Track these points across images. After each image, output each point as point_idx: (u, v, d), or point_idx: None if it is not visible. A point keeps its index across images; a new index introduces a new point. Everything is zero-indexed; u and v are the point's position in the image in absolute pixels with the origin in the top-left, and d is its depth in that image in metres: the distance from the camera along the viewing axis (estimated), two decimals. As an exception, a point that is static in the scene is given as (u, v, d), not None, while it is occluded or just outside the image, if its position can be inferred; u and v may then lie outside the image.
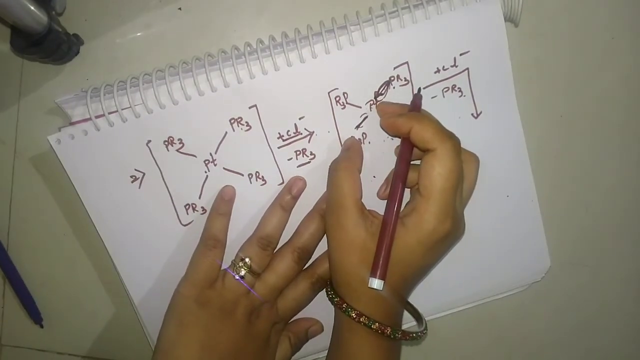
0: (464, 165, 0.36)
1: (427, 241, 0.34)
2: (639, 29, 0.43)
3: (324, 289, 0.39)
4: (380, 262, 0.33)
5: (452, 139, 0.34)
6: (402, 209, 0.35)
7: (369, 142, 0.40)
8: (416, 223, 0.34)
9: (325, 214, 0.38)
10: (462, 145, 0.36)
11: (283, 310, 0.40)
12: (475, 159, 0.38)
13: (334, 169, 0.37)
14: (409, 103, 0.39)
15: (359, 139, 0.40)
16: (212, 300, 0.37)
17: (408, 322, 0.43)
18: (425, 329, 0.38)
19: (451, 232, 0.34)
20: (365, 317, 0.35)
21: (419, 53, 0.39)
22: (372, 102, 0.39)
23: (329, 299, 0.38)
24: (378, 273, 0.33)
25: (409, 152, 0.36)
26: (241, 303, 0.38)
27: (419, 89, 0.39)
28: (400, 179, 0.35)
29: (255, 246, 0.39)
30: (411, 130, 0.35)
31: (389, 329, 0.35)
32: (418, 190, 0.34)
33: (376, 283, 0.33)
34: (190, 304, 0.37)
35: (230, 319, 0.38)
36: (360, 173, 0.38)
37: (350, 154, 0.38)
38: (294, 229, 0.40)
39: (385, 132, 0.39)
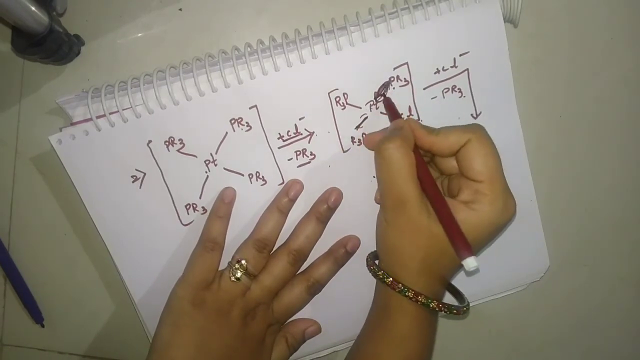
0: (472, 146, 0.36)
1: (500, 220, 0.35)
2: (638, 29, 0.43)
3: (371, 270, 0.38)
4: (463, 239, 0.34)
5: (473, 125, 0.36)
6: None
7: (369, 143, 0.40)
8: (489, 205, 0.34)
9: (382, 196, 0.36)
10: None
11: (278, 312, 0.41)
12: (480, 132, 0.37)
13: (388, 147, 0.35)
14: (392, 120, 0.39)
15: (359, 139, 0.40)
16: (207, 302, 0.38)
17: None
18: (468, 304, 0.38)
19: (515, 209, 0.36)
20: (424, 296, 0.35)
21: (418, 54, 0.39)
22: (372, 102, 0.40)
23: (379, 279, 0.37)
24: (470, 252, 0.33)
25: (422, 162, 0.36)
26: (237, 304, 0.38)
27: (384, 92, 0.39)
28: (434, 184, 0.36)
29: (252, 248, 0.39)
30: (432, 145, 0.36)
31: (446, 305, 0.35)
32: (473, 178, 0.35)
33: (472, 261, 0.33)
34: (185, 305, 0.37)
35: (225, 320, 0.38)
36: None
37: (404, 133, 0.36)
38: (293, 228, 0.41)
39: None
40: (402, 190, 0.35)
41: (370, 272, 0.38)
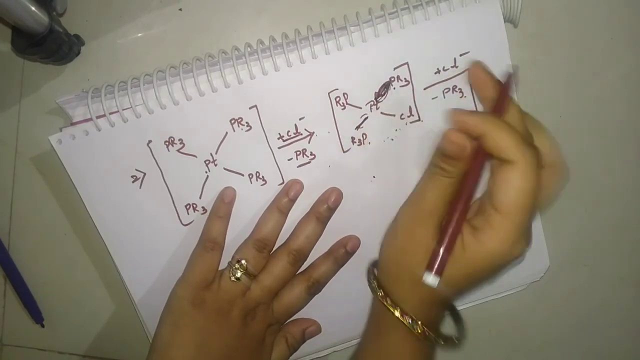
0: (548, 177, 0.33)
1: (498, 260, 0.32)
2: (638, 29, 0.43)
3: (367, 279, 0.38)
4: (440, 259, 0.32)
5: (533, 150, 0.31)
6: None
7: (369, 143, 0.40)
8: (491, 240, 0.31)
9: (403, 209, 0.35)
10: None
11: (278, 312, 0.41)
12: (561, 172, 0.34)
13: (432, 172, 0.33)
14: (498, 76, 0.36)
15: (359, 139, 0.40)
16: (207, 302, 0.38)
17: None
18: (465, 331, 0.37)
19: (522, 253, 0.32)
20: (409, 317, 0.34)
21: (418, 54, 0.39)
22: (372, 102, 0.40)
23: (372, 290, 0.37)
24: (435, 269, 0.32)
25: (481, 166, 0.32)
26: (236, 304, 0.38)
27: (513, 69, 0.35)
28: (468, 195, 0.32)
29: (252, 248, 0.39)
30: (484, 135, 0.31)
31: (432, 334, 0.34)
32: (492, 203, 0.31)
33: (431, 279, 0.31)
34: (185, 305, 0.37)
35: (225, 320, 0.38)
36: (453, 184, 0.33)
37: (452, 159, 0.32)
38: (293, 228, 0.41)
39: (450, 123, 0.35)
40: (420, 210, 0.34)
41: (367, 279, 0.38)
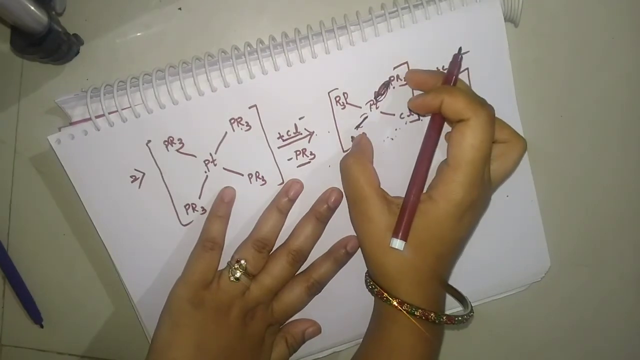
0: (506, 148, 0.36)
1: (456, 212, 0.34)
2: (639, 29, 0.43)
3: (364, 281, 0.39)
4: (404, 223, 0.34)
5: (485, 109, 0.33)
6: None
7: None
8: (443, 194, 0.34)
9: (349, 209, 0.38)
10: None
11: (278, 312, 0.41)
12: (519, 146, 0.37)
13: (346, 164, 0.37)
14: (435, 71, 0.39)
15: (360, 138, 0.40)
16: (206, 301, 0.38)
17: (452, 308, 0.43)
18: (472, 311, 0.37)
19: (478, 200, 0.34)
20: (407, 304, 0.34)
21: (419, 53, 0.39)
22: (372, 102, 0.39)
23: (369, 290, 0.38)
24: (400, 234, 0.33)
25: (438, 129, 0.36)
26: (236, 304, 0.38)
27: (459, 49, 0.38)
28: (426, 156, 0.35)
29: (251, 248, 0.39)
30: (442, 103, 0.34)
31: (432, 314, 0.35)
32: (446, 160, 0.34)
33: (397, 243, 0.33)
34: (184, 305, 0.37)
35: (224, 320, 0.38)
36: (372, 164, 0.38)
37: (360, 147, 0.38)
38: (292, 229, 0.40)
39: (414, 112, 0.39)
40: (361, 198, 0.36)
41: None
